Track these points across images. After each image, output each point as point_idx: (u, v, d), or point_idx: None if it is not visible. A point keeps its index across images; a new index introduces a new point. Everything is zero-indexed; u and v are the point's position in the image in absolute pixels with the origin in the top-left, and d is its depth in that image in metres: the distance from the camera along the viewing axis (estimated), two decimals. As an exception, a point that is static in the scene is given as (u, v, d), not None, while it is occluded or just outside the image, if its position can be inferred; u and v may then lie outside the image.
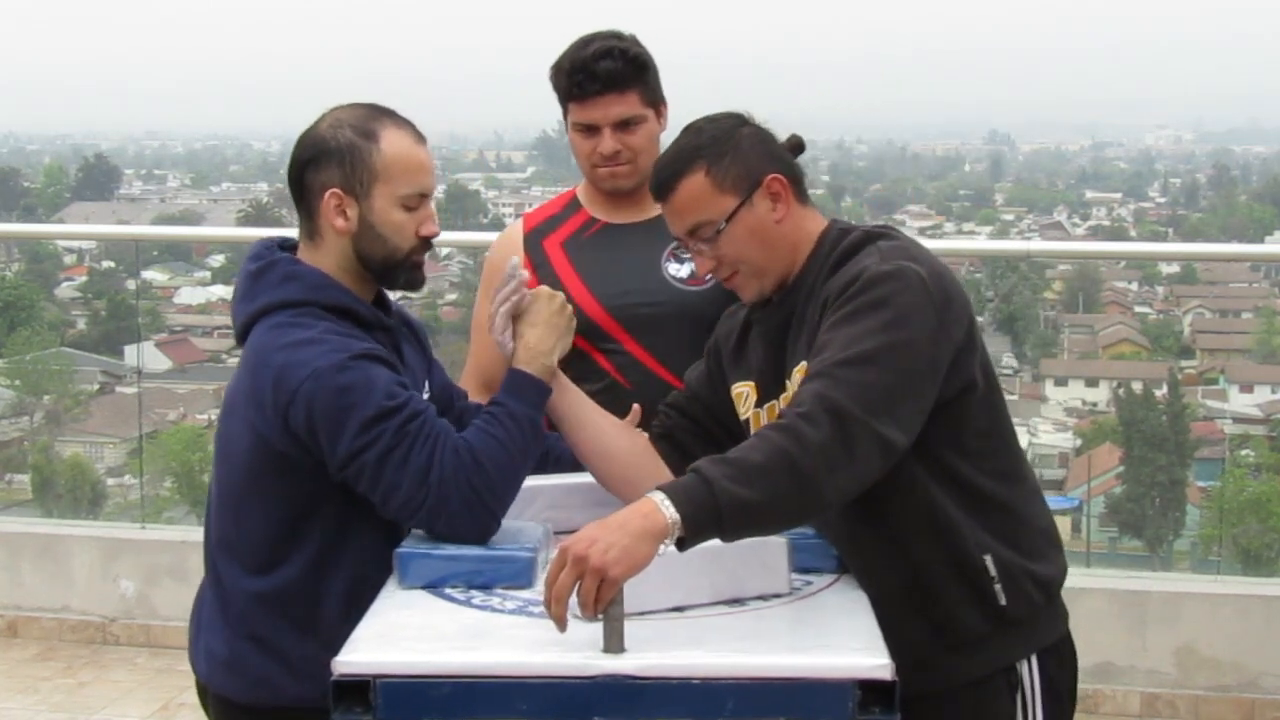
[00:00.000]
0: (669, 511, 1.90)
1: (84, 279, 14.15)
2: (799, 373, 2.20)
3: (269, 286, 2.32)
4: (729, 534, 1.96)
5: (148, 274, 12.80)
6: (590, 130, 2.84)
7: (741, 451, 2.00)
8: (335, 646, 1.93)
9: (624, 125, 2.82)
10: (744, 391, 2.37)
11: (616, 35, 2.86)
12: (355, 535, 2.28)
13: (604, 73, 2.78)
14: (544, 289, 2.40)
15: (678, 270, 2.87)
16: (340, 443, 2.18)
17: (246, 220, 36.08)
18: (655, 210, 2.86)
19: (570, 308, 2.40)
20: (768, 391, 2.31)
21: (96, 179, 47.39)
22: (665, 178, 2.26)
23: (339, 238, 2.33)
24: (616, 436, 2.44)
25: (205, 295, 17.39)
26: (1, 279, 11.30)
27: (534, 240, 2.97)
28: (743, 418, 2.36)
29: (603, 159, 2.84)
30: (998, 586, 2.18)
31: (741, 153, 2.23)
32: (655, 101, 2.87)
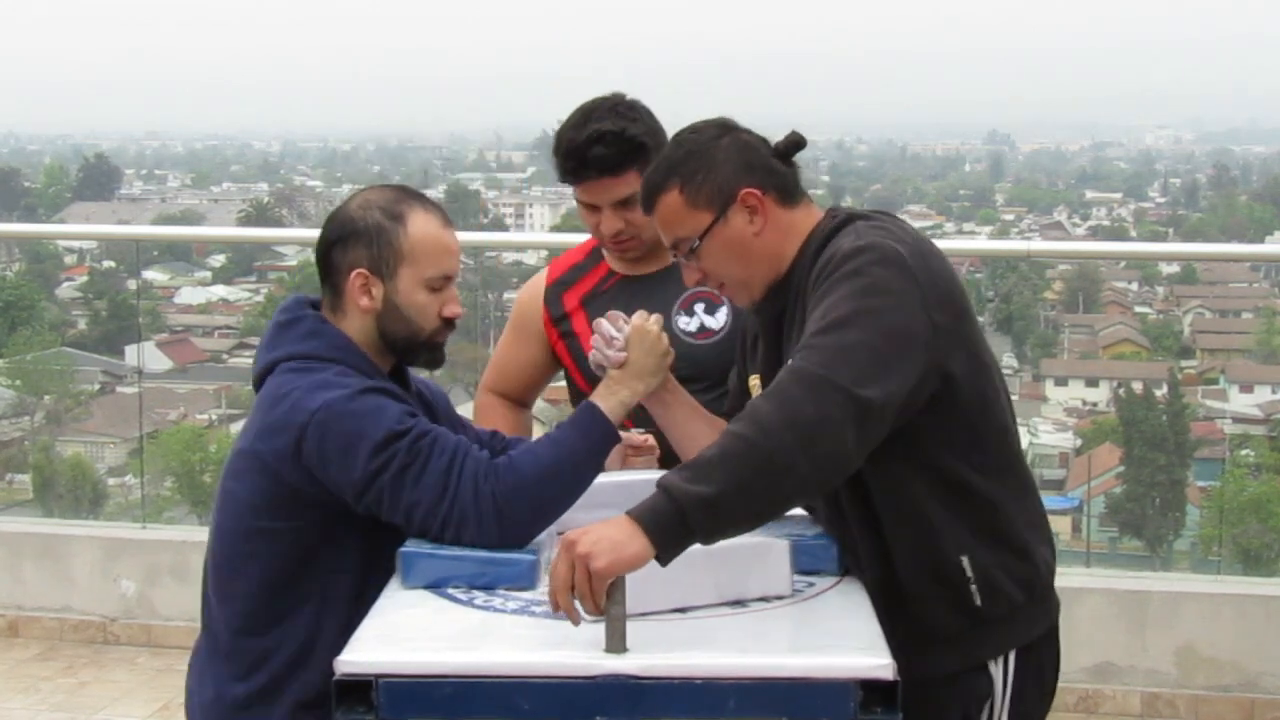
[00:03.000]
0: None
1: (85, 279, 14.18)
2: None
3: (293, 339, 2.35)
4: (702, 535, 1.94)
5: (148, 274, 12.82)
6: (592, 208, 2.83)
7: (703, 450, 1.99)
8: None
9: (624, 203, 2.79)
10: (755, 384, 2.38)
11: (615, 110, 2.79)
12: (365, 587, 2.24)
13: (596, 160, 2.75)
14: (640, 327, 2.36)
15: (687, 324, 2.87)
16: (354, 470, 2.19)
17: (247, 220, 36.15)
18: (669, 258, 2.88)
19: (665, 346, 2.37)
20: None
21: (97, 179, 47.45)
22: (645, 195, 2.29)
23: (363, 315, 2.36)
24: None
25: (205, 295, 17.43)
26: (2, 279, 11.32)
27: (555, 293, 3.00)
28: None
29: (607, 237, 2.85)
30: (973, 587, 2.17)
31: (716, 167, 2.22)
32: None
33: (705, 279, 2.29)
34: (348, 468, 2.19)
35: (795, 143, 2.30)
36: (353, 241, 2.35)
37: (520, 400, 3.11)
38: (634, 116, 2.79)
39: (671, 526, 1.91)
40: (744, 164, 2.23)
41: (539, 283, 3.05)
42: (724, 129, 2.28)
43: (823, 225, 2.25)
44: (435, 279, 2.36)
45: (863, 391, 1.99)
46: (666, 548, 1.92)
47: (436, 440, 2.21)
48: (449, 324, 2.39)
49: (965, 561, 2.17)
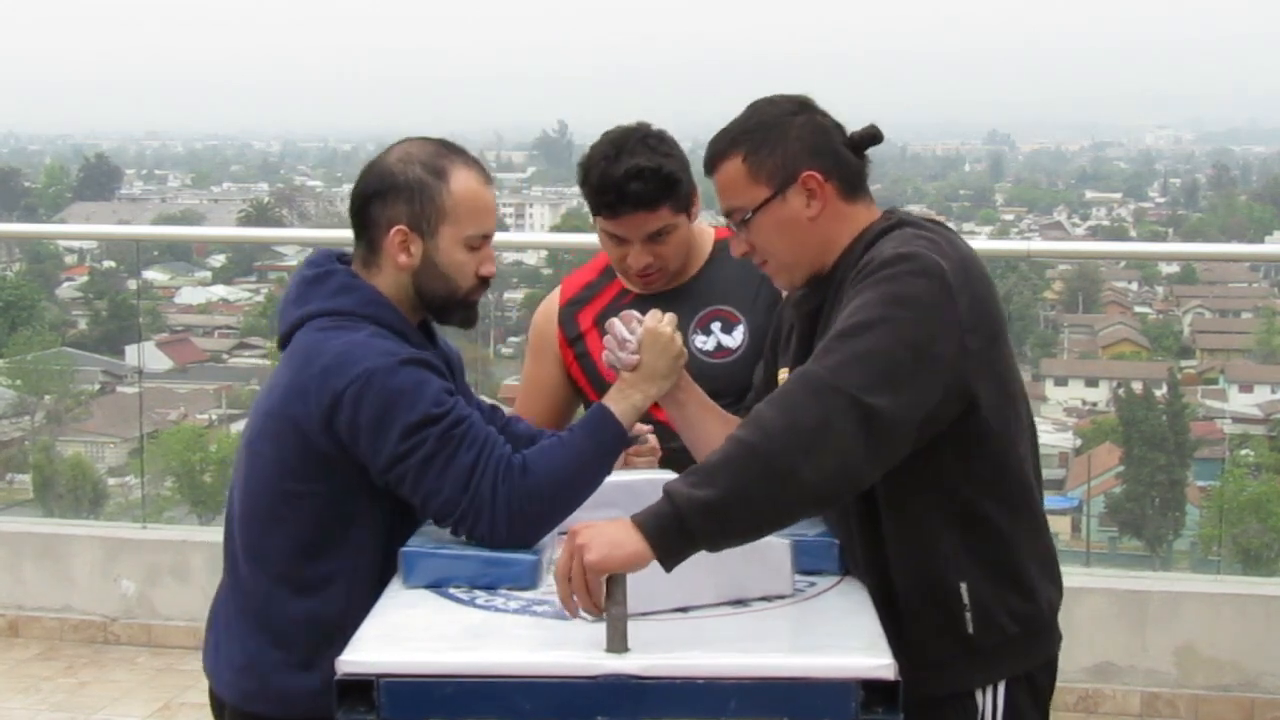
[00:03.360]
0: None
1: (85, 279, 14.16)
2: None
3: (324, 294, 2.31)
4: (704, 540, 1.93)
5: (148, 274, 12.82)
6: (620, 240, 2.80)
7: (709, 455, 1.98)
8: None
9: (654, 237, 2.77)
10: (784, 376, 2.35)
11: (646, 143, 2.75)
12: (392, 552, 2.24)
13: (633, 194, 2.72)
14: (653, 329, 2.33)
15: (704, 343, 2.85)
16: (384, 448, 2.18)
17: (247, 220, 36.13)
18: (686, 275, 2.86)
19: (678, 347, 2.35)
20: None
21: (97, 179, 47.41)
22: (710, 156, 2.26)
23: (399, 272, 2.33)
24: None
25: (206, 295, 17.41)
26: (3, 279, 11.30)
27: (569, 313, 2.98)
28: None
29: (633, 271, 2.82)
30: (968, 615, 2.15)
31: (785, 144, 2.20)
32: (686, 206, 2.80)
33: (752, 253, 2.27)
34: (377, 444, 2.18)
35: (871, 135, 2.26)
36: (393, 196, 2.31)
37: (550, 429, 3.06)
38: (667, 151, 2.76)
39: (671, 530, 1.90)
40: (813, 146, 2.21)
41: (553, 303, 3.02)
42: (802, 107, 2.25)
43: (874, 225, 2.21)
44: (475, 238, 2.33)
45: (870, 399, 1.95)
46: (668, 552, 1.91)
47: (469, 431, 2.19)
48: (485, 283, 2.37)
49: (964, 589, 2.14)
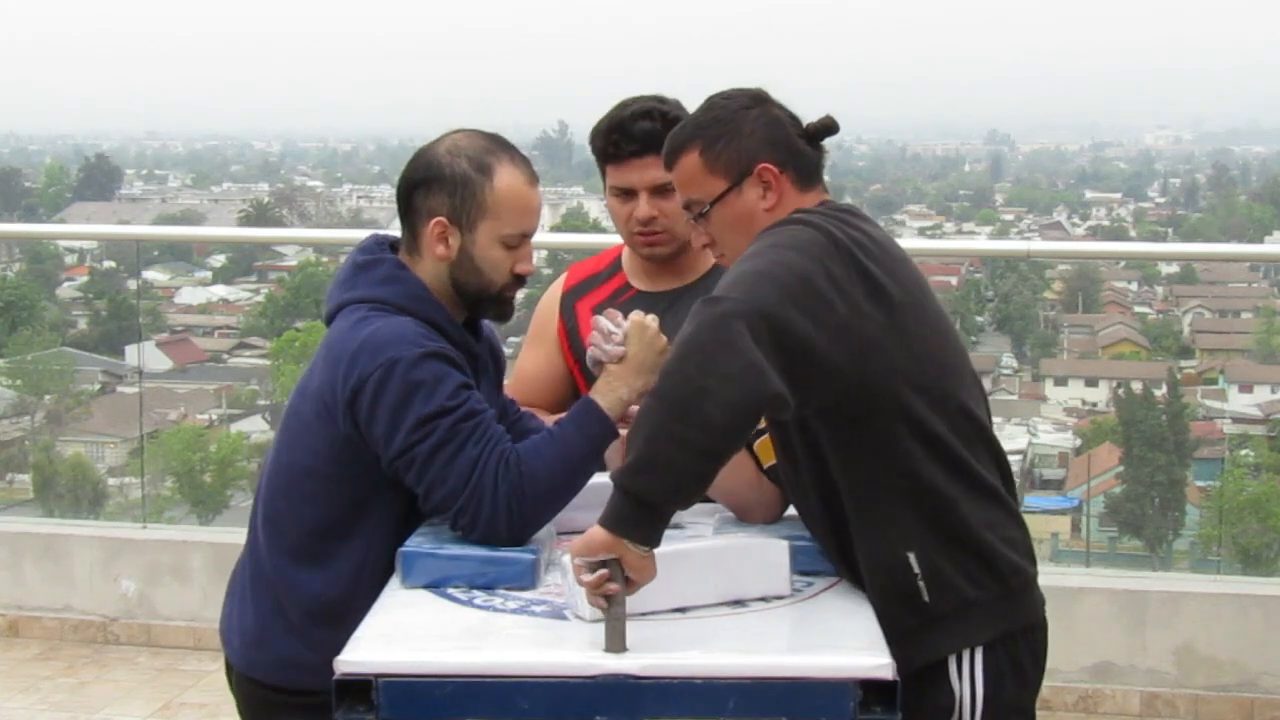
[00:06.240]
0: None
1: (85, 279, 14.14)
2: None
3: (371, 282, 2.35)
4: (658, 499, 1.93)
5: (149, 274, 12.80)
6: (626, 194, 2.78)
7: None
8: None
9: (661, 190, 2.74)
10: None
11: (658, 99, 2.78)
12: (401, 539, 2.27)
13: (641, 133, 2.72)
14: (639, 322, 2.35)
15: None
16: (396, 436, 2.21)
17: (247, 220, 36.13)
18: (691, 277, 2.84)
19: (664, 342, 2.35)
20: None
21: (98, 179, 47.46)
22: (668, 150, 2.30)
23: (437, 262, 2.36)
24: None
25: (206, 295, 17.39)
26: (3, 279, 11.29)
27: (569, 300, 2.98)
28: None
29: (638, 224, 2.78)
30: (921, 583, 2.15)
31: (740, 137, 2.23)
32: None
33: (711, 244, 2.30)
34: (391, 432, 2.21)
35: (826, 127, 2.29)
36: (436, 187, 2.34)
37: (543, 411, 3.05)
38: (678, 108, 2.78)
39: (622, 507, 1.93)
40: (768, 139, 2.24)
41: (556, 289, 3.03)
42: (756, 100, 2.28)
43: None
44: (513, 236, 2.36)
45: (758, 304, 1.96)
46: (632, 525, 1.92)
47: (478, 426, 2.22)
48: (520, 280, 2.40)
49: (911, 558, 2.15)
